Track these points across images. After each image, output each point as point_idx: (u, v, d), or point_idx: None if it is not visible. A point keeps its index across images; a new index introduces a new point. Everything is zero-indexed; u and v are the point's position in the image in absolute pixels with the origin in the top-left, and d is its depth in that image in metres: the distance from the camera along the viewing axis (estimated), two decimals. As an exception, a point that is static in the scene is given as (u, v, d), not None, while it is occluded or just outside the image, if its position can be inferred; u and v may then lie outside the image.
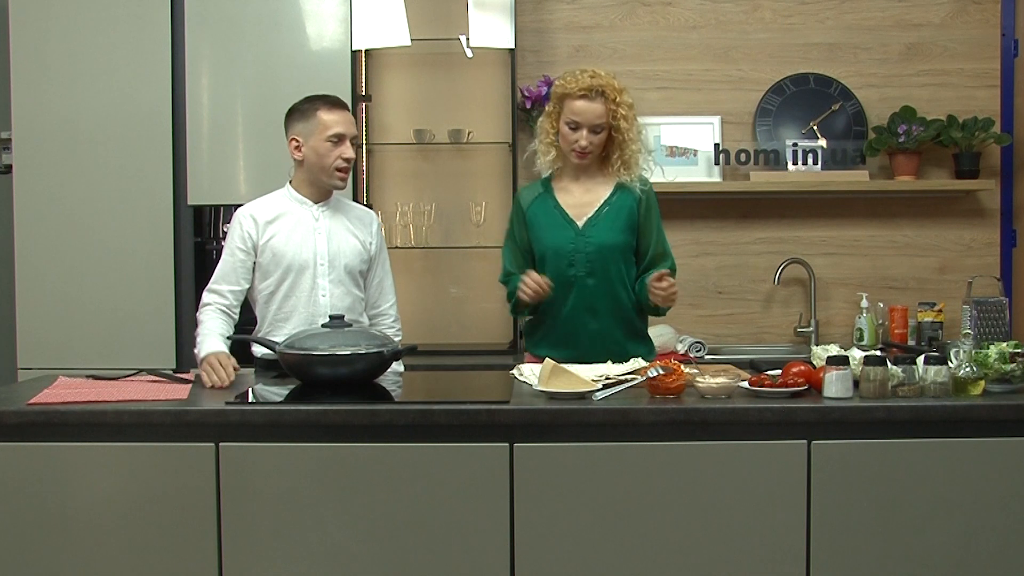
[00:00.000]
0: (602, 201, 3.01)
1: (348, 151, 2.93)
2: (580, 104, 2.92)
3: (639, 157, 3.01)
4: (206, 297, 2.93)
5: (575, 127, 2.94)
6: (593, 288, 2.97)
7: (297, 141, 2.95)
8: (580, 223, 2.99)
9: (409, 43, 3.98)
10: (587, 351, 2.87)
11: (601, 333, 2.97)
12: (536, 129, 3.12)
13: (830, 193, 4.17)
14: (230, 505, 2.28)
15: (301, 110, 2.95)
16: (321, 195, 3.00)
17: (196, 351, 2.81)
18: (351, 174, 3.78)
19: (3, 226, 3.99)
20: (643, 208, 3.01)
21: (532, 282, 2.87)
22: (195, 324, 2.93)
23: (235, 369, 2.68)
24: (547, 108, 3.06)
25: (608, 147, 3.00)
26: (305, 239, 2.96)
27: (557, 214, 3.01)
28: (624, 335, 3.00)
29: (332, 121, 2.91)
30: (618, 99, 2.94)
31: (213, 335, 2.82)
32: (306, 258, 2.95)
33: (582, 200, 3.02)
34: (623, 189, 3.01)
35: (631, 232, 3.00)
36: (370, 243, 3.06)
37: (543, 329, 3.03)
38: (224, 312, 2.91)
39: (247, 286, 2.97)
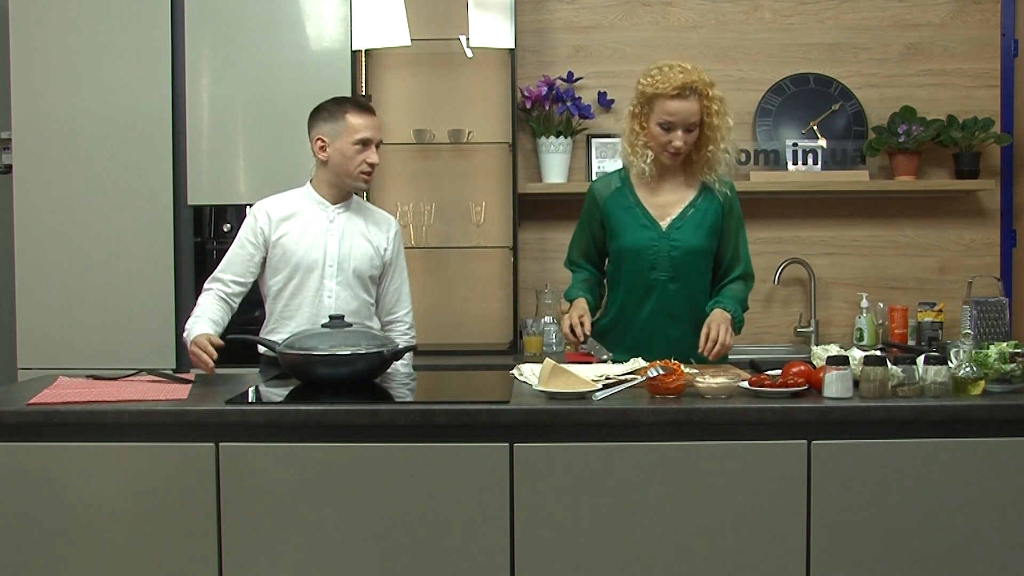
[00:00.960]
0: (687, 203, 2.93)
1: (373, 156, 2.93)
2: (675, 104, 2.80)
3: (724, 156, 2.89)
4: (208, 284, 2.96)
5: (668, 127, 2.82)
6: (674, 293, 2.91)
7: (323, 141, 2.94)
8: (664, 224, 2.91)
9: (409, 43, 3.98)
10: (663, 357, 2.70)
11: (679, 340, 2.87)
12: (622, 132, 2.98)
13: (830, 193, 4.17)
14: (230, 505, 2.28)
15: (329, 110, 2.95)
16: (340, 196, 3.00)
17: (185, 334, 2.83)
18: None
19: (3, 226, 3.99)
20: (726, 211, 2.94)
21: (572, 326, 2.82)
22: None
23: (216, 348, 2.70)
24: (631, 109, 2.91)
25: (695, 144, 2.89)
26: (316, 239, 2.96)
27: (638, 212, 2.93)
28: None
29: (361, 125, 2.91)
30: (711, 94, 2.82)
31: (204, 318, 2.85)
32: (315, 258, 2.95)
33: (665, 200, 2.94)
34: (708, 191, 2.93)
35: (715, 236, 2.93)
36: (385, 249, 3.05)
37: (616, 332, 2.97)
38: (222, 299, 2.93)
39: (251, 280, 2.98)
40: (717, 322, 2.80)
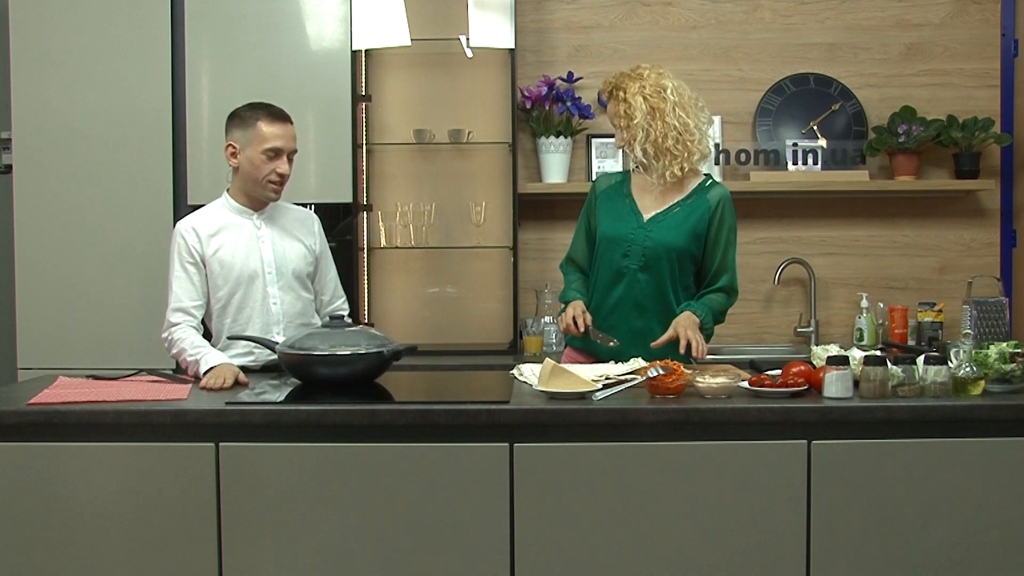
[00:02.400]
0: (675, 201, 2.97)
1: (283, 166, 2.88)
2: (608, 105, 3.02)
3: (642, 154, 2.91)
4: (173, 318, 2.86)
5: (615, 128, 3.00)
6: (644, 284, 2.93)
7: (233, 147, 2.90)
8: (645, 217, 2.97)
9: (409, 43, 3.97)
10: (627, 347, 2.82)
11: (643, 331, 2.89)
12: None
13: (830, 193, 4.17)
14: (230, 505, 2.28)
15: (242, 117, 2.90)
16: (259, 203, 2.97)
17: (188, 367, 2.76)
18: (351, 174, 3.82)
19: (3, 226, 3.99)
20: (715, 220, 2.95)
21: (572, 317, 2.85)
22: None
23: (241, 383, 2.63)
24: None
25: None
26: (251, 249, 2.93)
27: (626, 204, 2.99)
28: None
29: (271, 135, 2.86)
30: (622, 96, 2.93)
31: (210, 348, 2.79)
32: (254, 268, 2.92)
33: (656, 197, 2.98)
34: (700, 195, 2.96)
35: (696, 240, 2.94)
36: (314, 244, 3.05)
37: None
38: (194, 330, 2.86)
39: (206, 299, 2.92)
40: (684, 325, 2.81)
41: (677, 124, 2.90)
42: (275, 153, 2.87)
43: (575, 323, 2.86)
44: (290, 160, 2.91)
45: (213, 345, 2.89)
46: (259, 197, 2.94)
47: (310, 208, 3.21)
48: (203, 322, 2.95)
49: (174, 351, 2.84)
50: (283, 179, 2.91)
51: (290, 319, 2.94)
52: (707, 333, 2.88)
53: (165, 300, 3.70)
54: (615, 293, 2.95)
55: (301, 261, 2.99)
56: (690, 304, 2.91)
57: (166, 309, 2.90)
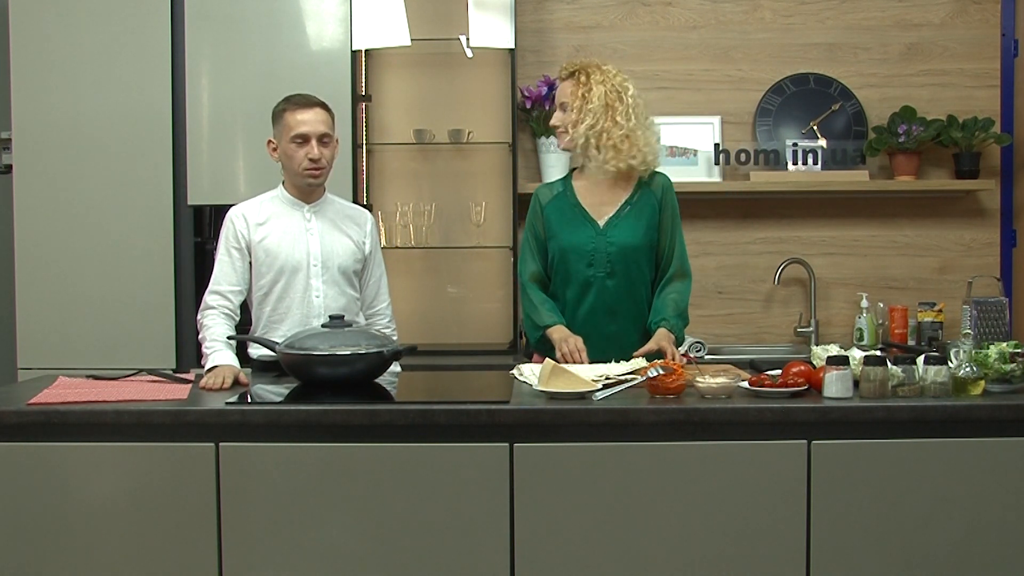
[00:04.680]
0: (623, 200, 2.99)
1: (313, 151, 2.89)
2: (560, 85, 3.01)
3: (583, 142, 2.92)
4: (209, 299, 2.91)
5: (560, 107, 3.00)
6: (613, 289, 2.95)
7: (273, 143, 2.97)
8: (601, 222, 2.97)
9: (409, 43, 3.98)
10: (602, 353, 2.82)
11: (618, 335, 2.93)
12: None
13: (830, 193, 4.17)
14: (230, 505, 2.28)
15: (275, 112, 2.96)
16: (310, 195, 3.00)
17: (204, 360, 2.79)
18: (352, 174, 3.81)
19: (3, 226, 3.99)
20: (664, 209, 3.00)
21: (572, 349, 2.82)
22: (195, 325, 2.92)
23: (242, 383, 2.64)
24: None
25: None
26: (297, 240, 2.95)
27: (576, 212, 2.99)
28: (641, 338, 2.94)
29: (295, 122, 2.89)
30: (584, 79, 2.94)
31: (224, 346, 2.80)
32: (299, 259, 2.94)
33: (602, 199, 2.99)
34: (645, 187, 2.99)
35: (652, 232, 2.98)
36: (364, 242, 3.06)
37: None
38: (228, 316, 2.90)
39: (247, 285, 2.96)
40: (668, 340, 2.85)
41: (625, 126, 2.92)
42: (303, 139, 2.89)
43: (578, 357, 2.82)
44: (324, 144, 2.92)
45: (253, 332, 2.95)
46: (300, 186, 2.97)
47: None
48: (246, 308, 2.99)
49: (200, 336, 2.89)
50: (316, 163, 2.91)
51: (331, 313, 2.93)
52: (680, 339, 2.95)
53: (165, 300, 3.77)
54: (586, 302, 2.96)
55: (349, 257, 3.00)
56: (665, 320, 2.91)
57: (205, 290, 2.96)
